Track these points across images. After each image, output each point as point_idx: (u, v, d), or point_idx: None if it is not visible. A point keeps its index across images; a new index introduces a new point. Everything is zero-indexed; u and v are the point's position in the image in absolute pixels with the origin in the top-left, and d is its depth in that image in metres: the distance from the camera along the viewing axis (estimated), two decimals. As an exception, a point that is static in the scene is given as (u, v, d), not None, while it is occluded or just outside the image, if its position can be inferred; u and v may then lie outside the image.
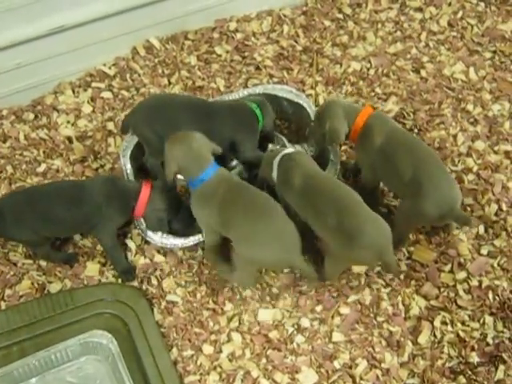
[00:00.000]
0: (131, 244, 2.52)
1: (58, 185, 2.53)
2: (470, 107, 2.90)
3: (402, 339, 2.28)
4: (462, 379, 2.17)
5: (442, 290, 2.38)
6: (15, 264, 2.49)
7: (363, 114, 2.42)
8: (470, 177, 2.66)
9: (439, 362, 2.22)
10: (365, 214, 2.17)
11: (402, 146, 2.35)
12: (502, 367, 2.18)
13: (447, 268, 2.43)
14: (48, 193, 2.39)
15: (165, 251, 2.50)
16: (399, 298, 2.37)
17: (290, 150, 2.43)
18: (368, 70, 3.06)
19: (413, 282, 2.40)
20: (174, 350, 2.27)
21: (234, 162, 2.69)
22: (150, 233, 2.40)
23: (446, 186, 2.29)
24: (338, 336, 2.29)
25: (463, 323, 2.30)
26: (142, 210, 2.36)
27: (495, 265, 2.43)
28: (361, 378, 2.21)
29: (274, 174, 2.36)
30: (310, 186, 2.25)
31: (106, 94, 3.00)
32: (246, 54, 3.13)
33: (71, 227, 2.41)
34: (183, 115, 2.48)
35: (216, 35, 3.20)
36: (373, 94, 2.97)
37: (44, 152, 2.80)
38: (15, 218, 2.32)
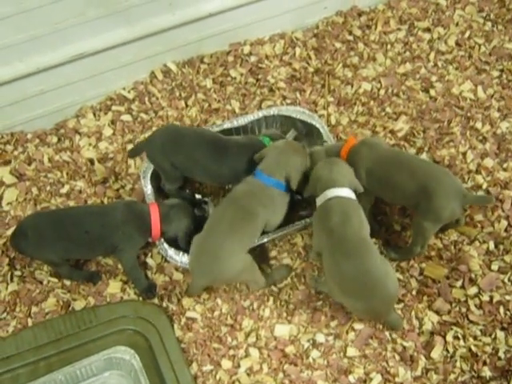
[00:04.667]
0: (152, 262, 2.61)
1: (80, 209, 2.61)
2: (478, 125, 2.96)
3: (416, 354, 2.33)
4: (474, 393, 2.23)
5: (453, 305, 2.44)
6: (41, 282, 2.59)
7: (345, 148, 2.51)
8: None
9: (452, 377, 2.27)
10: (377, 278, 2.19)
11: (392, 164, 2.45)
12: (513, 381, 2.23)
13: (458, 284, 2.48)
14: (70, 216, 2.46)
15: (183, 269, 2.58)
16: (412, 314, 2.43)
17: (341, 192, 2.32)
18: (378, 90, 3.14)
19: (425, 298, 2.46)
20: (194, 364, 2.35)
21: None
22: (170, 252, 2.48)
23: (447, 180, 2.38)
24: (352, 351, 2.35)
25: (475, 338, 2.35)
26: (158, 231, 2.44)
27: (506, 280, 2.48)
28: (375, 392, 2.27)
29: (319, 200, 2.35)
30: (339, 236, 2.23)
31: (126, 117, 3.10)
32: (260, 76, 3.22)
33: (91, 250, 2.48)
34: (198, 148, 2.55)
35: (231, 58, 3.29)
36: (383, 113, 3.05)
37: (67, 174, 2.90)
38: (37, 238, 2.40)
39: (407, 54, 3.30)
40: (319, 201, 2.34)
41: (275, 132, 2.77)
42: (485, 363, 2.28)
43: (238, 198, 2.41)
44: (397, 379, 2.28)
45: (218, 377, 2.32)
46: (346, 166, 2.42)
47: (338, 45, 3.34)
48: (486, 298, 2.43)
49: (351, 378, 2.30)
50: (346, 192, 2.32)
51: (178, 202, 2.55)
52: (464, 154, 2.87)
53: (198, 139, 2.58)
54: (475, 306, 2.42)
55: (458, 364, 2.30)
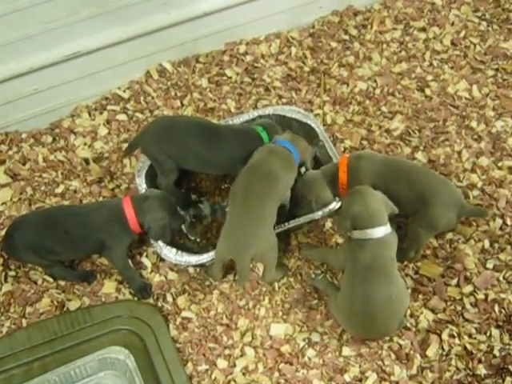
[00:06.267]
0: (147, 262, 2.60)
1: (60, 209, 2.57)
2: (473, 124, 2.97)
3: (411, 352, 2.33)
4: (469, 391, 2.23)
5: (448, 303, 2.44)
6: (35, 282, 2.58)
7: (342, 168, 2.48)
8: (475, 192, 2.72)
9: (447, 375, 2.27)
10: (383, 311, 2.20)
11: (391, 174, 2.44)
12: (508, 379, 2.23)
13: (454, 282, 2.48)
14: (50, 217, 2.44)
15: (178, 268, 2.58)
16: (408, 312, 2.42)
17: (379, 232, 2.23)
18: (374, 89, 3.14)
19: (420, 296, 2.47)
20: (189, 364, 2.34)
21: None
22: (165, 251, 2.47)
23: (445, 190, 2.39)
24: (347, 350, 2.35)
25: (470, 336, 2.36)
26: (136, 224, 2.40)
27: (501, 278, 2.48)
28: (371, 391, 2.26)
29: (356, 233, 2.26)
30: (365, 264, 2.21)
31: (121, 117, 3.09)
32: (256, 75, 3.21)
33: (74, 250, 2.47)
34: (191, 136, 2.55)
35: (226, 58, 3.28)
36: (379, 112, 3.05)
37: (62, 173, 2.89)
38: (22, 241, 2.39)
39: (403, 53, 3.30)
40: (357, 234, 2.25)
41: (268, 121, 2.74)
42: (480, 361, 2.29)
43: (258, 164, 2.40)
44: (392, 378, 2.28)
45: (213, 376, 2.32)
46: (375, 193, 2.31)
47: (333, 44, 3.34)
48: (481, 296, 2.44)
49: (347, 376, 2.29)
50: (385, 230, 2.23)
51: (156, 192, 2.48)
52: (459, 152, 2.87)
53: (190, 126, 2.59)
54: (470, 304, 2.43)
55: (453, 362, 2.30)
